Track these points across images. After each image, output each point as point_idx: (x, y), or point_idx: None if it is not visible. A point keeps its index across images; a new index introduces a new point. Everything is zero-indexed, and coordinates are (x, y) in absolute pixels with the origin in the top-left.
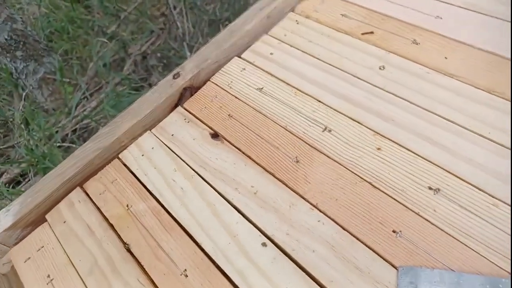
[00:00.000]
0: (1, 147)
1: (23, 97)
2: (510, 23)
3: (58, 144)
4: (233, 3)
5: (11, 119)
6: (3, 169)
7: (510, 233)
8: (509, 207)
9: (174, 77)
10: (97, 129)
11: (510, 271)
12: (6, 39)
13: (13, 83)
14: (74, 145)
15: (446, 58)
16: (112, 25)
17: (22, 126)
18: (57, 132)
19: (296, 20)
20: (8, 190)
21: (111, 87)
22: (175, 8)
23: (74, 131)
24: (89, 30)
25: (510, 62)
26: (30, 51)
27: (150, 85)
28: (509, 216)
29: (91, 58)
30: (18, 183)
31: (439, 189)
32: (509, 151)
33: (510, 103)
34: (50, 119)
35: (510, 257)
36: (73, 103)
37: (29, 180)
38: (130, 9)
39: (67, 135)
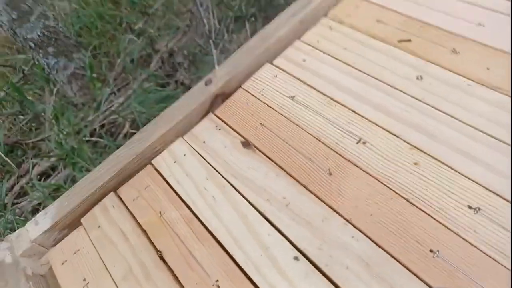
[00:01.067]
0: (33, 140)
1: (54, 92)
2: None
3: (86, 139)
4: None
5: (42, 113)
6: (34, 162)
7: None
8: None
9: (206, 84)
10: (124, 125)
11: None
12: (39, 36)
13: (45, 79)
14: (101, 140)
15: (488, 68)
16: (140, 21)
17: (53, 121)
18: (85, 126)
19: (330, 26)
20: (39, 183)
21: (138, 83)
22: (201, 4)
23: (102, 126)
24: (117, 26)
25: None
26: (61, 47)
27: (176, 82)
28: None
29: (119, 54)
30: (49, 176)
31: (479, 208)
32: None
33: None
34: (79, 114)
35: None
36: (101, 98)
37: (59, 173)
38: (157, 5)
39: (95, 129)
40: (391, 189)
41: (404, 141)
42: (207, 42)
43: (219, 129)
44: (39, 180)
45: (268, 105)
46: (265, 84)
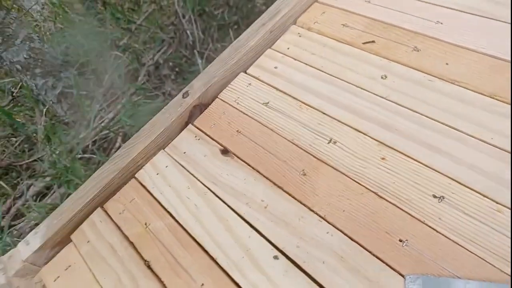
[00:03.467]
0: (27, 161)
1: (44, 112)
2: (510, 26)
3: (79, 156)
4: (241, 6)
5: (34, 134)
6: (29, 183)
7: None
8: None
9: (183, 96)
10: (116, 139)
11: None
12: (25, 58)
13: (34, 100)
14: (94, 156)
15: (447, 64)
16: (125, 37)
17: (45, 141)
18: (78, 144)
19: (298, 33)
20: (35, 204)
21: (127, 98)
22: (184, 16)
23: (94, 142)
24: (102, 43)
25: (510, 65)
26: (48, 68)
27: (164, 94)
28: None
29: (106, 70)
30: (44, 195)
31: (443, 197)
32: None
33: (511, 107)
34: (71, 132)
35: (510, 262)
36: (91, 115)
37: (54, 192)
38: (140, 20)
39: (87, 146)
40: (361, 184)
41: (372, 138)
42: (192, 52)
43: (199, 139)
44: (35, 200)
45: (243, 113)
46: (240, 93)
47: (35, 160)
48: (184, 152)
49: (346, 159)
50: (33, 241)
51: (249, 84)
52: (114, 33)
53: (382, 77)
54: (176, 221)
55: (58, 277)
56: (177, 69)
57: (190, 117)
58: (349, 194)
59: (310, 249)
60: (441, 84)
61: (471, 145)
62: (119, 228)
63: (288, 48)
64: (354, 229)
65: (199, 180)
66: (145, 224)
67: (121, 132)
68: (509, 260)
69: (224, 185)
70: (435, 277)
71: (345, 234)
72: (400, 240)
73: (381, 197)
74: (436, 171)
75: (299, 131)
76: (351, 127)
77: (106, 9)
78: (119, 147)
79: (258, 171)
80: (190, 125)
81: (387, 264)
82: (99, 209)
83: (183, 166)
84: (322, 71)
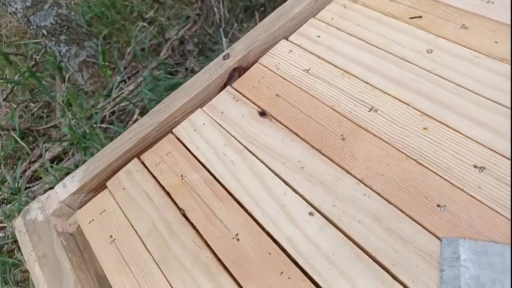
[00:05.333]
0: (45, 126)
1: (66, 79)
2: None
3: (97, 125)
4: None
5: (54, 100)
6: (47, 146)
7: None
8: None
9: (224, 58)
10: (134, 112)
11: None
12: (51, 24)
13: (56, 66)
14: (111, 126)
15: (496, 42)
16: (150, 11)
17: (65, 107)
18: (96, 113)
19: (344, 4)
20: (52, 167)
21: (149, 71)
22: None
23: (113, 113)
24: (127, 16)
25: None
26: (73, 35)
27: (186, 69)
28: None
29: (129, 42)
30: (61, 160)
31: (484, 167)
32: None
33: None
34: (90, 101)
35: None
36: (112, 85)
37: (69, 158)
38: None
39: (105, 116)
40: (401, 151)
41: (414, 108)
42: (217, 31)
43: (237, 101)
44: (52, 164)
45: (283, 78)
46: (281, 59)
47: (53, 126)
48: (222, 112)
49: (387, 127)
50: (70, 184)
51: (291, 51)
52: (140, 5)
53: (427, 51)
54: (212, 175)
55: (93, 220)
56: (200, 46)
57: (229, 79)
58: (388, 160)
59: (346, 209)
60: (489, 62)
61: None
62: (155, 178)
63: (332, 19)
64: (391, 193)
65: (236, 139)
66: (181, 176)
67: (139, 105)
68: None
69: (261, 144)
70: (472, 240)
71: (382, 197)
72: (438, 205)
73: (420, 164)
74: (478, 143)
75: (339, 98)
76: (394, 97)
77: None
78: (137, 119)
79: (296, 134)
80: (228, 87)
81: (423, 227)
82: (135, 159)
83: (220, 125)
84: (366, 42)
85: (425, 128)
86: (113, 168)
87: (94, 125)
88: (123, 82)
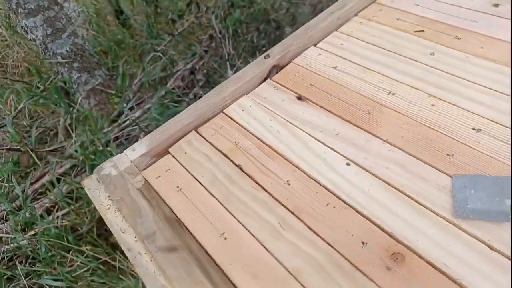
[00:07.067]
0: (48, 149)
1: (78, 102)
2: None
3: (100, 149)
4: (269, 33)
5: (59, 124)
6: (58, 160)
7: None
8: None
9: (265, 57)
10: (139, 136)
11: None
12: (67, 51)
13: (64, 92)
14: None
15: (482, 48)
16: (160, 45)
17: (73, 130)
18: (98, 139)
19: (360, 22)
20: (65, 180)
21: (158, 98)
22: (220, 32)
23: (116, 138)
24: (130, 51)
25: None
26: (85, 64)
27: (195, 96)
28: None
29: (135, 75)
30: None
31: (480, 129)
32: None
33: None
34: (95, 126)
35: None
36: (118, 111)
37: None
38: (180, 30)
39: (109, 141)
40: (416, 120)
41: (424, 92)
42: (223, 64)
43: (277, 89)
44: (58, 180)
45: (315, 73)
46: (312, 60)
47: (54, 150)
48: (265, 97)
49: (403, 105)
50: (139, 148)
51: (319, 54)
52: (147, 41)
53: (430, 54)
54: (262, 141)
55: (160, 176)
56: (207, 77)
57: (269, 74)
58: (407, 126)
59: (375, 160)
60: (476, 60)
61: (498, 97)
62: (212, 144)
63: (351, 31)
64: (411, 148)
65: (279, 115)
66: (235, 142)
67: (146, 130)
68: None
69: (300, 119)
70: (473, 174)
71: (404, 151)
72: (448, 154)
73: (432, 128)
74: (473, 113)
75: (363, 85)
76: (407, 85)
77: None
78: None
79: (329, 111)
80: (269, 79)
81: (438, 169)
82: (193, 131)
83: (264, 106)
84: (381, 48)
85: (433, 105)
86: (174, 138)
87: (102, 145)
88: (130, 110)
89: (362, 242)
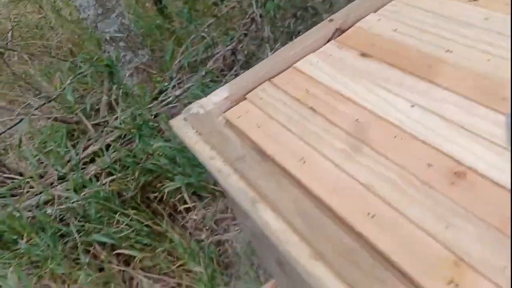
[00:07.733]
0: (98, 121)
1: (123, 79)
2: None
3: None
4: (306, 19)
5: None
6: (108, 129)
7: None
8: None
9: (329, 21)
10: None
11: None
12: (115, 30)
13: (108, 71)
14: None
15: None
16: (202, 27)
17: (119, 104)
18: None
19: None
20: (113, 146)
21: (200, 77)
22: (261, 15)
23: (156, 115)
24: (170, 35)
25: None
26: (130, 43)
27: (236, 75)
28: None
29: (175, 57)
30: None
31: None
32: None
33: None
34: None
35: None
36: (158, 89)
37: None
38: (221, 14)
39: (157, 114)
40: (472, 71)
41: (479, 49)
42: (262, 45)
43: (341, 48)
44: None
45: (376, 34)
46: (372, 24)
47: (99, 124)
48: (330, 55)
49: (460, 60)
50: (220, 93)
51: (379, 19)
52: (186, 27)
53: (485, 19)
54: (330, 89)
55: (240, 116)
56: (247, 57)
57: (332, 36)
58: (464, 77)
59: (437, 103)
60: None
61: None
62: (285, 92)
63: (409, 0)
64: (469, 93)
65: (345, 69)
66: (306, 90)
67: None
68: None
69: (365, 71)
70: None
71: (463, 96)
72: (502, 98)
73: (487, 78)
74: None
75: (422, 44)
76: (463, 44)
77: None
78: None
79: (392, 65)
80: (332, 41)
81: (494, 109)
82: (267, 81)
83: (330, 62)
84: (438, 13)
85: (488, 60)
86: (250, 87)
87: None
88: (173, 87)
89: (428, 165)
